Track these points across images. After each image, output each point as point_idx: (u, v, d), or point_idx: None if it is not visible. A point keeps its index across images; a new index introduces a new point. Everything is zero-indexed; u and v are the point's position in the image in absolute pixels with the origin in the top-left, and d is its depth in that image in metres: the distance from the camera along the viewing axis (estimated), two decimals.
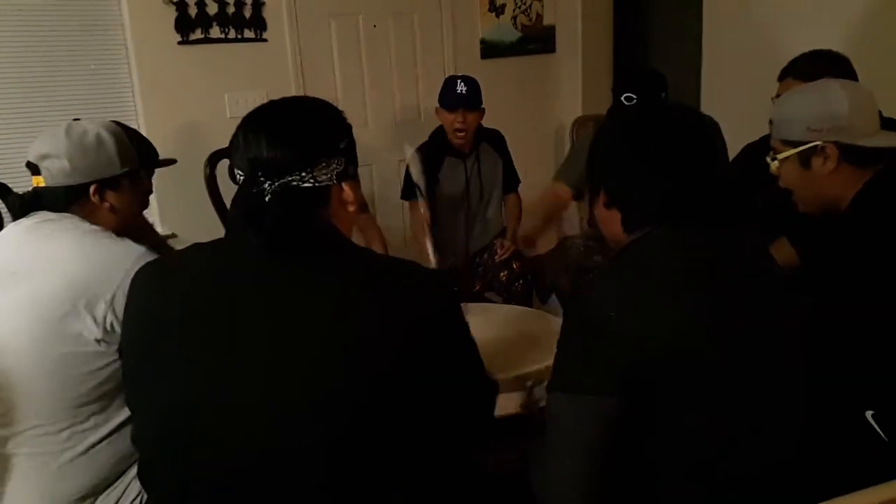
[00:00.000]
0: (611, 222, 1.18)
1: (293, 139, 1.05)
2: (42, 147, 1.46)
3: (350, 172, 1.10)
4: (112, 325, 1.32)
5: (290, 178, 1.02)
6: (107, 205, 1.49)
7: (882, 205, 1.42)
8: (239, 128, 1.09)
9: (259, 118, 1.09)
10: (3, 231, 1.48)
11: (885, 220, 1.40)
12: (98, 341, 1.32)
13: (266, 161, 1.02)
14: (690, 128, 1.14)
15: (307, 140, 1.06)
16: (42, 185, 1.46)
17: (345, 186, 1.09)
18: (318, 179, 1.04)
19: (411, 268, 1.09)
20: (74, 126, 1.48)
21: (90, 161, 1.46)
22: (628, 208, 1.14)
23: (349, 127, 1.13)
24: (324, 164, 1.05)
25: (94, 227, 1.43)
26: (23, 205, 1.46)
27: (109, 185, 1.49)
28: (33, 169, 1.47)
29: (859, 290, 1.39)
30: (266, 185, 1.02)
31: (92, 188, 1.46)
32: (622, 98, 2.52)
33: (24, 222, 1.43)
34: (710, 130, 1.17)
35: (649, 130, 1.14)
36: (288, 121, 1.08)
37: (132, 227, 1.56)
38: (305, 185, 1.03)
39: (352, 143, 1.12)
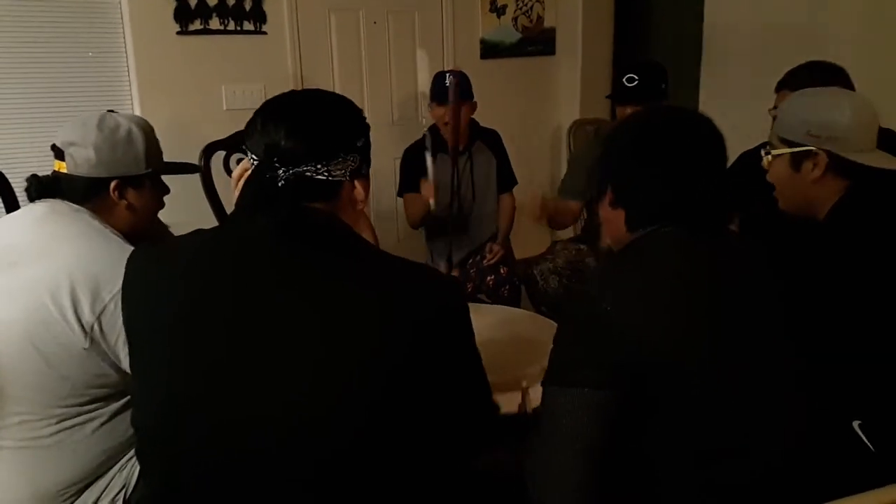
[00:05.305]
0: (614, 221, 1.19)
1: (314, 132, 1.06)
2: (71, 133, 1.43)
3: (363, 171, 1.12)
4: (98, 334, 1.29)
5: (304, 168, 1.03)
6: (125, 202, 1.47)
7: (859, 217, 1.44)
8: (258, 113, 1.09)
9: (281, 107, 1.10)
10: (13, 215, 1.45)
11: (862, 231, 1.43)
12: (86, 349, 1.30)
13: (283, 149, 1.03)
14: (700, 137, 1.15)
15: (327, 134, 1.07)
16: (64, 171, 1.43)
17: (357, 184, 1.10)
18: (333, 174, 1.06)
19: (419, 268, 1.08)
20: (108, 118, 1.46)
21: (117, 156, 1.43)
22: (633, 208, 1.16)
23: (368, 126, 1.14)
24: (340, 159, 1.06)
25: (104, 228, 1.40)
26: (40, 188, 1.43)
27: (131, 183, 1.46)
28: (58, 153, 1.44)
29: (839, 301, 1.40)
30: (280, 171, 1.02)
31: (113, 184, 1.44)
32: (624, 80, 2.55)
33: (36, 211, 1.40)
34: (720, 139, 1.17)
35: (660, 136, 1.16)
36: (311, 113, 1.09)
37: (147, 227, 1.54)
38: (319, 177, 1.04)
39: (368, 143, 1.14)
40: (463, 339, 1.07)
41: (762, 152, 1.56)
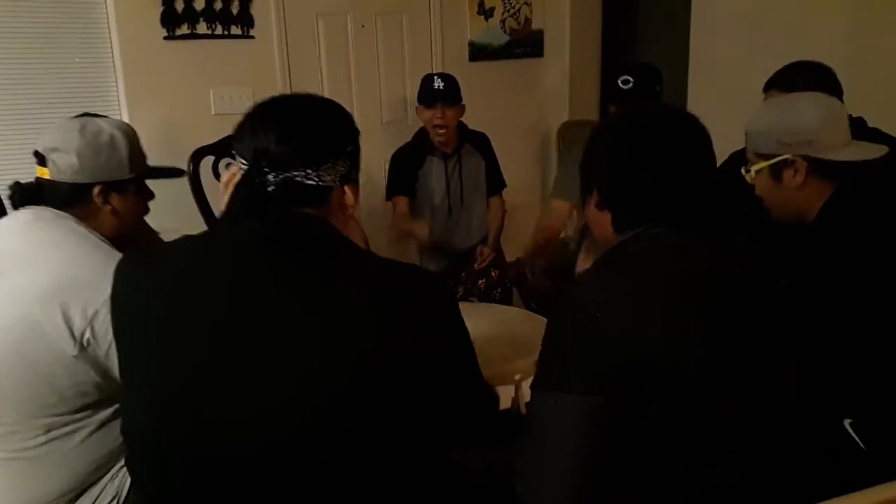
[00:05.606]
0: (601, 223, 1.18)
1: (304, 137, 1.05)
2: (53, 139, 1.42)
3: (353, 176, 1.11)
4: (89, 341, 1.28)
5: (294, 174, 1.03)
6: (109, 208, 1.45)
7: (847, 216, 1.45)
8: (248, 116, 1.09)
9: (271, 111, 1.09)
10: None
11: (850, 231, 1.43)
12: (74, 357, 1.28)
13: (273, 154, 1.03)
14: (687, 135, 1.14)
15: (317, 139, 1.07)
16: (47, 177, 1.42)
17: (346, 189, 1.10)
18: (323, 179, 1.05)
19: (411, 271, 1.08)
20: (90, 123, 1.44)
21: (100, 161, 1.42)
22: (621, 209, 1.15)
23: (357, 131, 1.14)
24: (330, 164, 1.06)
25: (90, 234, 1.39)
26: (24, 195, 1.42)
27: (115, 188, 1.45)
28: (40, 159, 1.43)
29: (828, 301, 1.41)
30: (270, 176, 1.02)
31: (96, 189, 1.43)
32: (619, 81, 2.54)
33: (20, 219, 1.39)
34: (707, 136, 1.16)
35: (646, 136, 1.14)
36: (300, 118, 1.08)
37: (133, 232, 1.53)
38: (309, 182, 1.04)
39: (357, 148, 1.14)
40: (456, 336, 1.07)
41: (743, 170, 1.57)
